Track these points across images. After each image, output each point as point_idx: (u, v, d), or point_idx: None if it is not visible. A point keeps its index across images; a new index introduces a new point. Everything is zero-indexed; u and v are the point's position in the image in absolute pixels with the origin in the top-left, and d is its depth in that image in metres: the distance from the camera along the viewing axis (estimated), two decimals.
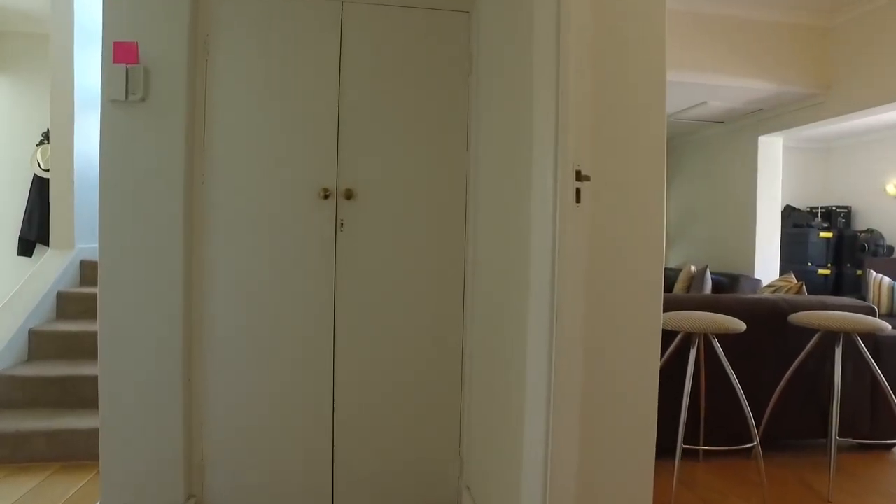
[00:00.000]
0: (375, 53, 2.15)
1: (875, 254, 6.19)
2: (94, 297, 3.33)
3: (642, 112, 1.39)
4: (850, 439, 2.92)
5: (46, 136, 4.61)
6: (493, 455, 1.90)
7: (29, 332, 3.17)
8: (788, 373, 2.74)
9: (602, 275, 1.37)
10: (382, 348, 2.19)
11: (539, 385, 1.38)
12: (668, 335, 2.10)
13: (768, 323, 2.86)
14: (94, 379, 2.71)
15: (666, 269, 3.40)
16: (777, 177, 5.54)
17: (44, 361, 3.11)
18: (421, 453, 2.23)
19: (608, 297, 1.38)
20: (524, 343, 1.50)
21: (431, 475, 2.24)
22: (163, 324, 1.97)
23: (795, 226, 6.56)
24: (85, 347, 3.15)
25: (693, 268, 5.31)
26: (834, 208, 6.74)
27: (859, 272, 6.18)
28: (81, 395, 2.90)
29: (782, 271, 5.61)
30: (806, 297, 3.03)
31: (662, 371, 1.54)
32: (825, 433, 2.90)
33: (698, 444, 2.76)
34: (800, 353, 2.73)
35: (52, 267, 3.55)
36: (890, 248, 6.26)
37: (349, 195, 2.14)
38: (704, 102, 5.00)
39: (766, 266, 5.49)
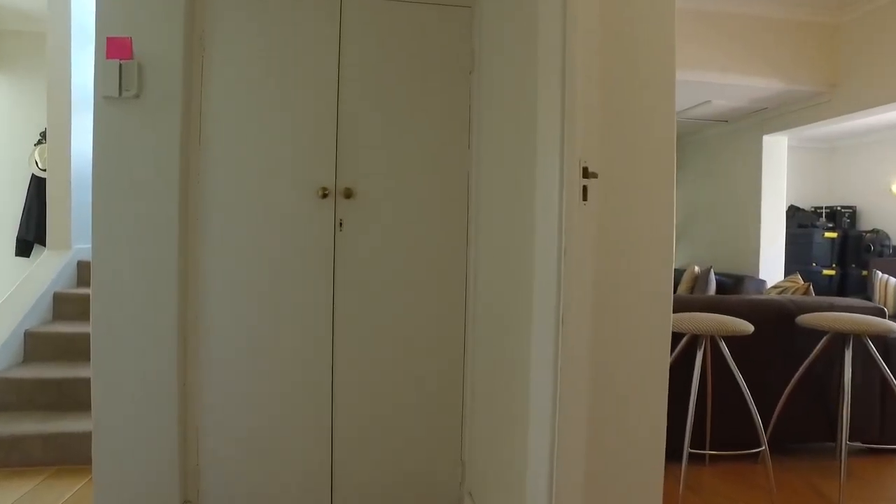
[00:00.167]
0: (375, 49, 2.10)
1: (881, 254, 6.13)
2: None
3: (651, 107, 1.34)
4: (859, 443, 2.87)
5: (44, 135, 4.57)
6: (496, 461, 1.85)
7: (25, 333, 3.13)
8: (796, 375, 2.69)
9: (609, 276, 1.32)
10: (382, 350, 2.14)
11: (544, 390, 1.33)
12: (673, 337, 2.05)
13: (775, 325, 2.80)
14: (90, 381, 2.67)
15: None
16: (782, 177, 5.49)
17: (40, 363, 3.07)
18: (422, 458, 2.18)
19: (616, 298, 1.33)
20: (528, 347, 1.45)
21: (432, 481, 2.19)
22: (157, 325, 1.92)
23: (800, 226, 6.50)
24: (81, 349, 3.10)
25: (697, 268, 5.26)
26: (839, 208, 6.68)
27: (864, 273, 6.12)
28: (77, 397, 2.85)
29: (787, 272, 5.56)
30: (814, 298, 2.98)
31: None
32: (833, 437, 2.85)
33: (704, 448, 2.71)
34: (807, 355, 2.68)
35: (49, 267, 3.51)
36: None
37: (348, 194, 2.09)
38: (708, 101, 4.95)
39: (771, 267, 5.44)
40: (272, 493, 2.08)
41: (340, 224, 2.09)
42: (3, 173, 4.85)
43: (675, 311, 2.55)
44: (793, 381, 2.70)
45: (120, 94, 1.86)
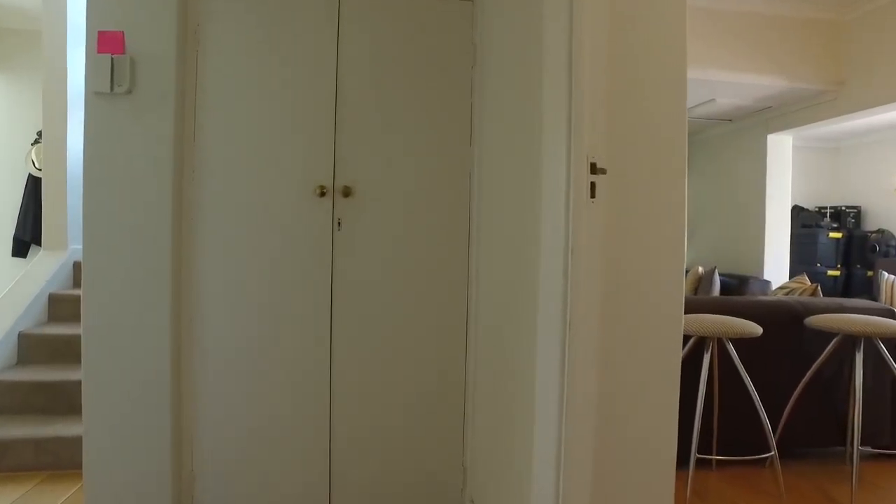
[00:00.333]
0: (374, 44, 2.05)
1: (886, 255, 6.07)
2: None
3: (662, 100, 1.28)
4: (869, 448, 2.81)
5: (42, 135, 4.52)
6: (499, 467, 1.79)
7: (19, 335, 3.08)
8: (805, 378, 2.63)
9: (618, 276, 1.27)
10: (382, 353, 2.08)
11: (550, 396, 1.27)
12: None
13: (784, 326, 2.75)
14: None
15: None
16: (787, 176, 5.43)
17: (33, 366, 3.02)
18: (422, 464, 2.12)
19: (625, 300, 1.27)
20: (533, 350, 1.39)
21: (433, 487, 2.13)
22: (150, 327, 1.87)
23: (804, 226, 6.44)
24: (76, 351, 3.05)
25: (701, 269, 5.19)
26: (843, 208, 6.62)
27: (870, 273, 6.05)
28: (72, 401, 2.80)
29: (791, 273, 5.50)
30: (822, 299, 2.92)
31: None
32: (842, 441, 2.79)
33: (711, 452, 2.65)
34: (816, 357, 2.62)
35: (44, 268, 3.46)
36: None
37: (347, 193, 2.04)
38: (713, 100, 4.89)
39: (776, 267, 5.38)
40: (269, 499, 2.02)
41: (339, 223, 2.04)
42: (1, 173, 4.80)
43: None
44: (801, 383, 2.64)
45: (111, 89, 1.80)
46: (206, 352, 1.97)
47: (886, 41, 4.07)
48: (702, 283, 5.09)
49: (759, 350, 2.69)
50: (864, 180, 6.65)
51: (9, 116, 4.83)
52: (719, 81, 4.33)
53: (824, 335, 2.62)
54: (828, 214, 6.71)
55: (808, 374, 2.63)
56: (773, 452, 2.30)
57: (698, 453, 2.31)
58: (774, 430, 2.67)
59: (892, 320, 2.40)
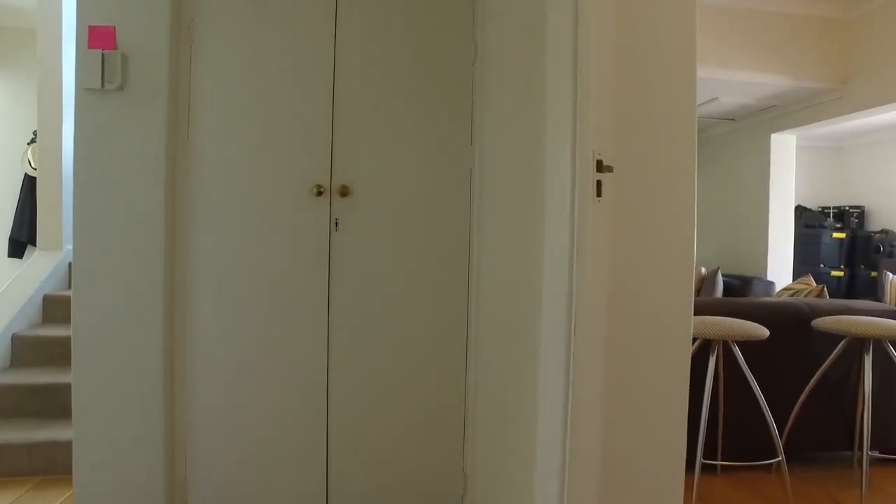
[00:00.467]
0: (373, 39, 2.00)
1: (890, 255, 6.01)
2: None
3: (671, 94, 1.23)
4: (877, 453, 2.76)
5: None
6: (501, 473, 1.74)
7: (12, 336, 3.03)
8: (812, 381, 2.58)
9: (626, 279, 1.22)
10: (380, 356, 2.04)
11: (554, 403, 1.22)
12: None
13: (790, 328, 2.70)
14: None
15: None
16: (790, 176, 5.38)
17: (27, 368, 2.97)
18: (422, 469, 2.07)
19: (633, 304, 1.22)
20: (537, 354, 1.34)
21: (433, 493, 2.08)
22: (142, 330, 1.82)
23: (807, 226, 6.38)
24: (71, 354, 3.00)
25: (703, 269, 5.14)
26: (847, 208, 6.57)
27: (874, 274, 6.00)
28: (66, 404, 2.75)
29: (794, 273, 5.45)
30: (829, 300, 2.87)
31: None
32: (850, 445, 2.74)
33: (716, 456, 2.60)
34: (823, 360, 2.57)
35: (39, 269, 3.41)
36: None
37: (344, 192, 1.99)
38: (715, 98, 4.84)
39: (779, 268, 5.33)
40: None
41: (336, 224, 1.99)
42: None
43: None
44: (808, 387, 2.59)
45: (102, 85, 1.76)
46: (200, 355, 1.92)
47: (892, 39, 4.02)
48: (705, 283, 5.04)
49: (765, 352, 2.64)
50: (868, 180, 6.60)
51: (5, 116, 4.78)
52: (722, 80, 4.28)
53: (831, 337, 2.57)
54: (831, 215, 6.66)
55: (816, 376, 2.58)
56: (780, 457, 2.24)
57: (704, 458, 2.26)
58: (781, 434, 2.62)
59: None
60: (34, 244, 4.48)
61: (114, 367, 1.82)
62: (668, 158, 1.24)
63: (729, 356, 2.57)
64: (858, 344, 2.44)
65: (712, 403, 2.56)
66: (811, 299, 2.96)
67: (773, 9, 4.19)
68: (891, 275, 5.06)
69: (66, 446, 2.51)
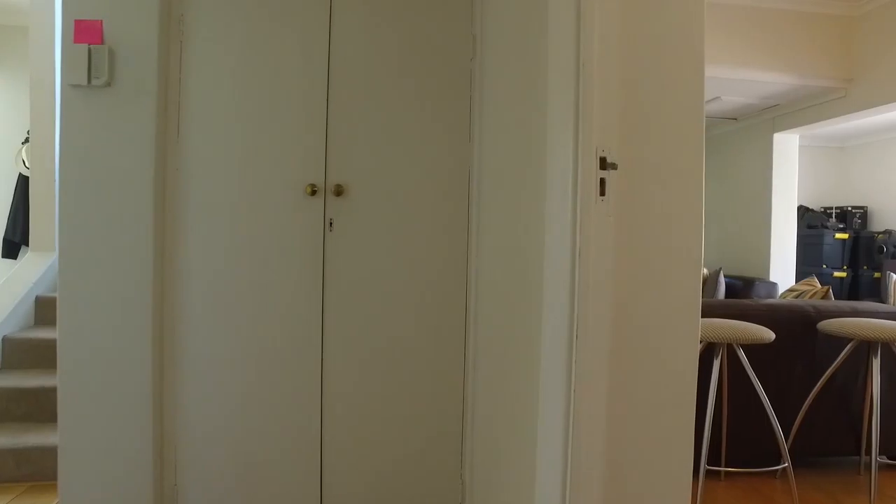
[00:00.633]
0: (368, 35, 1.95)
1: (893, 256, 5.96)
2: None
3: (678, 88, 1.18)
4: (885, 458, 2.70)
5: None
6: (500, 480, 1.69)
7: (2, 339, 2.97)
8: (818, 385, 2.53)
9: (630, 281, 1.16)
10: (375, 359, 1.98)
11: (555, 410, 1.17)
12: None
13: (795, 331, 2.64)
14: None
15: None
16: (793, 176, 5.32)
17: (17, 371, 2.91)
18: (418, 475, 2.02)
19: (637, 308, 1.17)
20: (538, 360, 1.29)
21: (430, 500, 2.03)
22: (131, 332, 1.77)
23: (809, 227, 6.33)
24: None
25: (706, 270, 5.09)
26: (849, 209, 6.51)
27: (877, 275, 5.95)
28: (55, 408, 2.69)
29: (797, 274, 5.39)
30: (835, 302, 2.81)
31: None
32: (857, 450, 2.68)
33: (720, 462, 2.54)
34: (829, 363, 2.52)
35: (31, 270, 3.36)
36: None
37: (339, 191, 1.93)
38: (718, 98, 4.79)
39: (782, 269, 5.28)
40: None
41: (330, 224, 1.94)
42: None
43: None
44: (814, 391, 2.54)
45: (89, 81, 1.70)
46: (191, 358, 1.87)
47: None
48: (707, 284, 4.98)
49: (771, 355, 2.59)
50: (871, 180, 6.55)
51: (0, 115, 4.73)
52: (725, 78, 4.22)
53: (838, 340, 2.51)
54: (834, 215, 6.60)
55: (822, 380, 2.52)
56: (786, 463, 2.19)
57: (707, 464, 2.20)
58: (786, 439, 2.57)
59: None
60: (28, 245, 4.44)
61: (101, 371, 1.76)
62: (675, 156, 1.18)
63: (733, 359, 2.52)
64: (866, 347, 2.38)
65: (716, 407, 2.51)
66: (817, 301, 2.91)
67: (777, 5, 4.14)
68: (894, 276, 5.01)
69: (56, 452, 2.45)
